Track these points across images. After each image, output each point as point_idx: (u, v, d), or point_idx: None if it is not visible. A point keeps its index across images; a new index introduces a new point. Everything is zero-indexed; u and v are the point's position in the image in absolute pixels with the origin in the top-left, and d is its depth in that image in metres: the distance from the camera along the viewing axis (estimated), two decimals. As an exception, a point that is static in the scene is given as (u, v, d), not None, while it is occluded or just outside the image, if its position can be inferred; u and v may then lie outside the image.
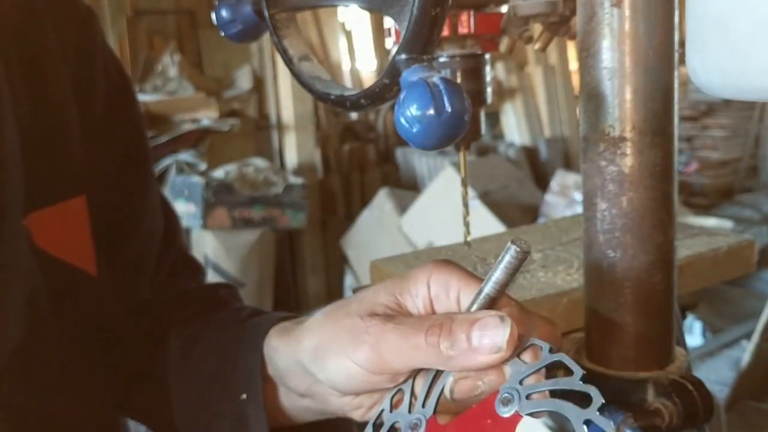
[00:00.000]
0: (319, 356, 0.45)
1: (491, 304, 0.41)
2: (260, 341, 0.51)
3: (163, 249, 0.66)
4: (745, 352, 2.12)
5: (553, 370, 0.40)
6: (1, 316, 0.50)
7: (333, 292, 3.55)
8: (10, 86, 0.52)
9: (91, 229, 0.58)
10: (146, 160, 0.66)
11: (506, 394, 0.38)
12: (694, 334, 2.75)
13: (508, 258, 0.39)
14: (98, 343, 0.60)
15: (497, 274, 0.40)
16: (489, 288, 0.40)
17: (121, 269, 0.62)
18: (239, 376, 0.52)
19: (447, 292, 0.43)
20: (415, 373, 0.43)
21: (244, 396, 0.50)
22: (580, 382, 0.37)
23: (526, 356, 0.40)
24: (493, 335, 0.38)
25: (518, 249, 0.39)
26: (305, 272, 3.55)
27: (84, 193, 0.58)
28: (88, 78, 0.59)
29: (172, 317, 0.63)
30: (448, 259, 0.45)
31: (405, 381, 0.43)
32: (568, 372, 0.38)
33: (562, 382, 0.37)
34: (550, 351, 0.39)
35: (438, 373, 0.42)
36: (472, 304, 0.41)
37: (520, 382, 0.39)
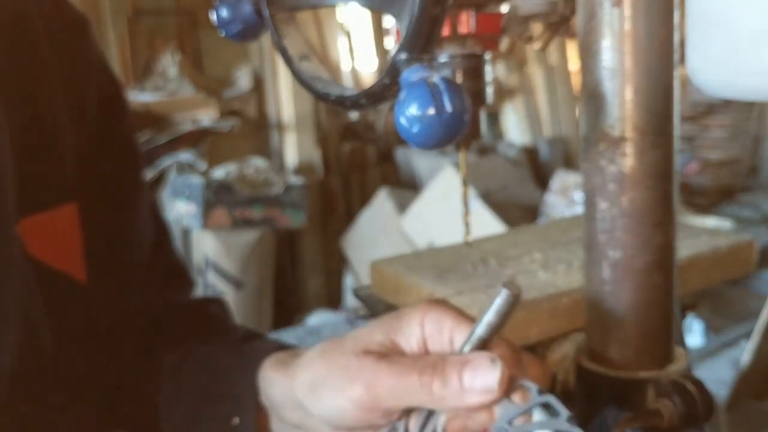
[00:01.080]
0: (313, 392, 0.45)
1: (483, 345, 0.41)
2: (255, 369, 0.52)
3: (154, 258, 0.66)
4: (745, 352, 2.12)
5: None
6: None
7: (333, 292, 3.54)
8: (1, 91, 0.51)
9: (82, 237, 0.58)
10: (138, 169, 0.66)
11: None
12: (694, 334, 2.74)
13: (499, 301, 0.40)
14: (89, 351, 0.60)
15: (489, 317, 0.40)
16: (481, 330, 0.41)
17: (111, 278, 0.62)
18: (232, 400, 0.52)
19: (440, 332, 0.44)
20: (408, 411, 0.44)
21: (237, 420, 0.51)
22: (567, 423, 0.38)
23: (516, 397, 0.40)
24: (484, 377, 0.39)
25: (509, 292, 0.39)
26: (305, 272, 3.55)
27: (76, 200, 0.57)
28: (80, 86, 0.59)
29: (164, 331, 0.63)
30: (441, 299, 0.46)
31: (399, 419, 0.44)
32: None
33: (549, 424, 0.39)
34: (539, 392, 0.40)
35: (431, 412, 0.43)
36: (465, 344, 0.42)
37: (510, 423, 0.40)
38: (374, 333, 0.45)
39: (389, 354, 0.44)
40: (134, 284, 0.64)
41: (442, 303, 0.45)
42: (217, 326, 0.64)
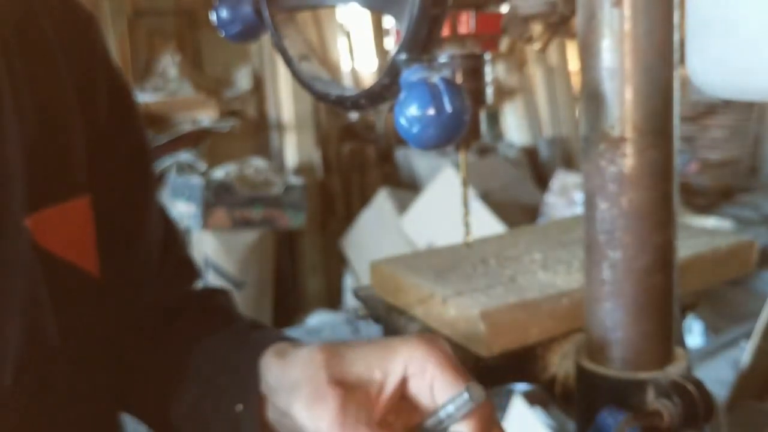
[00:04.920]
0: (292, 390, 0.48)
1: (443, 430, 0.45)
2: (258, 356, 0.53)
3: (165, 252, 0.67)
4: (745, 352, 2.12)
5: None
6: (3, 313, 0.50)
7: (333, 292, 3.54)
8: (11, 85, 0.52)
9: (95, 231, 0.59)
10: (148, 164, 0.68)
11: None
12: (694, 334, 2.74)
13: (460, 401, 0.44)
14: (100, 343, 0.60)
15: (449, 409, 0.45)
16: (443, 414, 0.45)
17: (125, 272, 0.63)
18: (236, 386, 0.54)
19: (423, 374, 0.46)
20: None
21: (240, 407, 0.53)
22: None
23: None
24: None
25: (469, 397, 0.44)
26: (305, 272, 3.54)
27: (88, 194, 0.58)
28: (90, 81, 0.60)
29: (173, 322, 0.64)
30: (432, 337, 0.48)
31: None
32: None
33: None
34: None
35: None
36: (425, 421, 0.46)
37: None
38: (357, 362, 0.47)
39: (361, 388, 0.46)
40: (146, 277, 0.65)
41: (431, 341, 0.47)
42: (223, 317, 0.65)
